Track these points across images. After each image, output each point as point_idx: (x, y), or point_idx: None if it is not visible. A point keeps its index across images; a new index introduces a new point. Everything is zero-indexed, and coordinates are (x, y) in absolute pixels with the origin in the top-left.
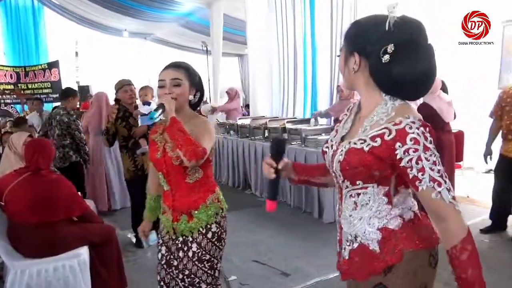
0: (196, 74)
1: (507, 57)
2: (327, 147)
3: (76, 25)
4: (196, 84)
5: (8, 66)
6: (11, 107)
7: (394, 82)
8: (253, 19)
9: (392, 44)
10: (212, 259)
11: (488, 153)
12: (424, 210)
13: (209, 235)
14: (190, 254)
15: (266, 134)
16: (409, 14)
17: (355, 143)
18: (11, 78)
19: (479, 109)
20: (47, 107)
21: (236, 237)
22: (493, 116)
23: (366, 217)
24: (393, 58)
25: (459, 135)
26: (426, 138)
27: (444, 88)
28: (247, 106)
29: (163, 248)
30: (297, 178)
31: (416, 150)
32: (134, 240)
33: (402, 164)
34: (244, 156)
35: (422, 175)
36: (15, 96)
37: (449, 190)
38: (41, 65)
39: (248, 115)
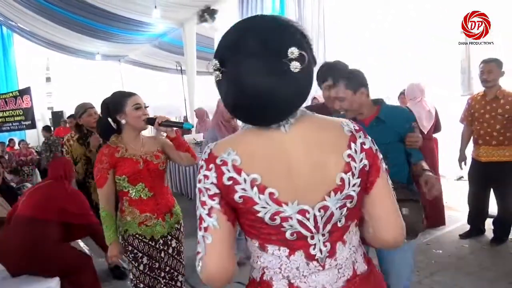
0: None
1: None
2: None
3: (46, 50)
4: None
5: None
6: None
7: (226, 104)
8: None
9: (215, 60)
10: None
11: (462, 159)
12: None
13: (182, 228)
14: (170, 250)
15: None
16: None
17: None
18: None
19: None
20: (20, 135)
21: None
22: (463, 122)
23: None
24: (222, 76)
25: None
26: (205, 178)
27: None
28: None
29: (145, 258)
30: None
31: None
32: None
33: None
34: None
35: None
36: None
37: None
38: (12, 92)
39: None
